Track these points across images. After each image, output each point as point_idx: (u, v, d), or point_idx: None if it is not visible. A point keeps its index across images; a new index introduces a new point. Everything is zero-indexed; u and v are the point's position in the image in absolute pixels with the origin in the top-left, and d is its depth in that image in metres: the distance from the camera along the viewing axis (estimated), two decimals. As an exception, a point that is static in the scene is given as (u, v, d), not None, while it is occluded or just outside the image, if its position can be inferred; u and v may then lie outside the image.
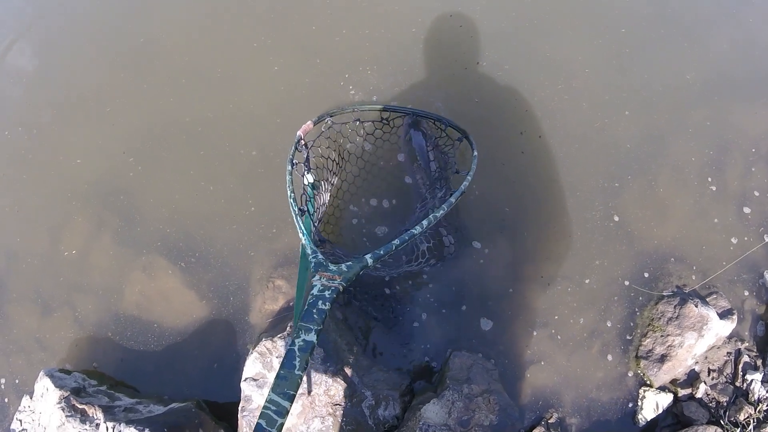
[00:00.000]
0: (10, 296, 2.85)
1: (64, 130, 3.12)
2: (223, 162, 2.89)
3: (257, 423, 1.35)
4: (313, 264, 1.75)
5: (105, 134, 3.05)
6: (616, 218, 2.69)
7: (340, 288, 1.66)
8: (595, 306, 2.57)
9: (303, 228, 1.90)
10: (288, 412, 1.39)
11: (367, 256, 1.77)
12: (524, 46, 3.00)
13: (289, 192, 2.05)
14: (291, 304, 2.58)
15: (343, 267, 1.72)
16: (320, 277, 1.68)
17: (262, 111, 2.97)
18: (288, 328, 2.31)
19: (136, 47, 3.23)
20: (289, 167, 2.14)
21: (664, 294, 2.57)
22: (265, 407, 1.38)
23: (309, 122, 2.36)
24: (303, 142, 2.29)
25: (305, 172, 2.27)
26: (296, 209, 1.98)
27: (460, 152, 2.56)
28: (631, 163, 2.79)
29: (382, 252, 1.80)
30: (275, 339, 2.26)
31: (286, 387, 1.41)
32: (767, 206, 2.75)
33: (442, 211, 1.96)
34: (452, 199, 2.02)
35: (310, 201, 2.17)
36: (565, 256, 2.64)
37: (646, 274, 2.63)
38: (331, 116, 2.46)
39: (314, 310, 1.58)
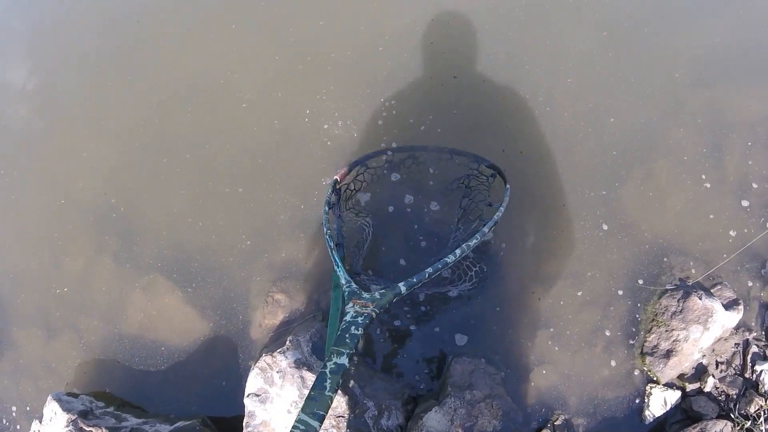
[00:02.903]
0: (16, 321, 2.91)
1: (61, 151, 3.17)
2: (220, 179, 2.91)
3: None
4: (347, 292, 1.84)
5: (102, 153, 3.08)
6: (614, 215, 2.65)
7: (373, 315, 1.74)
8: (597, 303, 2.53)
9: (338, 260, 2.00)
10: None
11: (401, 284, 1.85)
12: (503, 59, 2.96)
13: (325, 229, 2.18)
14: (290, 318, 2.60)
15: (376, 295, 1.80)
16: (354, 305, 1.77)
17: (257, 122, 2.98)
18: (288, 342, 2.32)
19: (134, 66, 3.27)
20: (326, 208, 2.29)
21: (667, 288, 2.54)
22: (294, 427, 1.41)
23: (345, 167, 2.53)
24: (339, 186, 2.45)
25: (340, 213, 2.41)
26: (332, 244, 2.12)
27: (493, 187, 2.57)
28: (624, 159, 2.75)
29: (415, 280, 1.88)
30: (275, 354, 2.27)
31: (316, 407, 1.45)
32: (765, 197, 2.69)
33: (475, 241, 2.04)
34: (485, 229, 2.09)
35: (345, 238, 2.30)
36: (564, 254, 2.62)
37: (648, 269, 2.59)
38: (364, 163, 2.63)
39: (347, 335, 1.65)
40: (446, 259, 1.95)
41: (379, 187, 2.77)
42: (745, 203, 2.67)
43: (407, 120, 2.88)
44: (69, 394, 2.55)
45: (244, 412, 2.27)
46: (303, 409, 1.46)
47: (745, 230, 2.65)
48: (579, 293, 2.55)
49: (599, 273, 2.55)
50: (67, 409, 2.41)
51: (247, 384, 2.29)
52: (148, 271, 2.80)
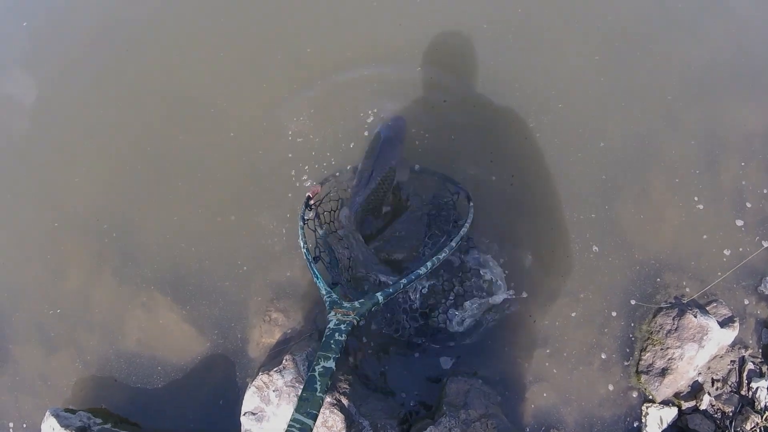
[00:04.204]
0: (14, 336, 2.92)
1: (61, 167, 3.20)
2: (213, 206, 2.94)
3: None
4: (328, 302, 1.98)
5: (98, 178, 3.12)
6: (605, 237, 2.67)
7: (354, 322, 1.89)
8: (593, 322, 2.55)
9: (317, 272, 2.11)
10: (312, 430, 1.55)
11: (379, 294, 1.98)
12: (494, 84, 3.00)
13: (302, 244, 2.29)
14: (288, 336, 2.61)
15: (356, 304, 1.95)
16: (335, 313, 1.90)
17: (245, 151, 3.02)
18: (284, 361, 2.33)
19: (128, 95, 3.32)
20: (301, 223, 2.40)
21: (662, 306, 2.55)
22: (289, 426, 1.54)
23: (317, 184, 2.60)
24: (312, 202, 2.52)
25: (317, 227, 2.49)
26: (310, 257, 2.23)
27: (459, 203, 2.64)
28: (614, 182, 2.78)
29: (391, 290, 2.02)
30: (272, 373, 2.28)
31: (309, 407, 1.60)
32: (760, 216, 2.71)
33: (444, 254, 2.18)
34: (453, 244, 2.24)
35: (324, 251, 2.38)
36: (560, 273, 2.63)
37: (642, 288, 2.61)
38: (335, 176, 2.70)
39: (332, 341, 1.80)
40: (419, 270, 2.08)
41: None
42: (739, 222, 2.69)
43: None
44: (67, 410, 2.55)
45: (240, 430, 2.28)
46: (297, 410, 1.57)
47: (740, 249, 2.66)
48: (573, 314, 2.57)
49: (593, 294, 2.57)
50: (64, 425, 2.42)
51: (243, 402, 2.29)
52: (146, 290, 2.83)
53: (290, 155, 2.94)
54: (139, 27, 3.54)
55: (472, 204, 2.50)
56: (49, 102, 3.44)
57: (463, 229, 2.34)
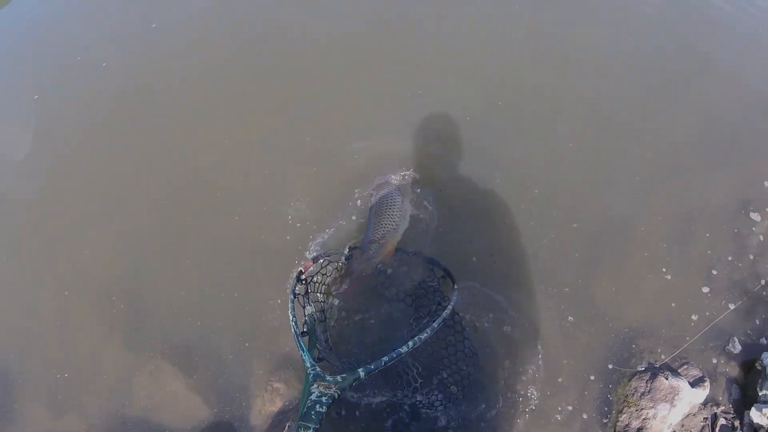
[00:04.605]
0: (23, 398, 3.09)
1: (72, 240, 3.49)
2: (217, 283, 3.18)
3: None
4: (312, 375, 2.13)
5: (112, 243, 3.42)
6: (580, 308, 2.97)
7: (335, 395, 2.05)
8: (572, 387, 2.82)
9: (303, 346, 2.27)
10: None
11: (360, 370, 2.15)
12: (474, 173, 3.33)
13: (291, 317, 2.42)
14: (289, 406, 2.82)
15: (338, 378, 2.11)
16: (318, 386, 2.07)
17: (247, 231, 3.31)
18: (286, 428, 2.58)
19: (135, 172, 3.67)
20: (291, 296, 2.52)
21: (637, 370, 2.85)
22: None
23: (309, 260, 2.76)
24: (303, 277, 2.67)
25: (306, 304, 2.62)
26: (298, 332, 2.35)
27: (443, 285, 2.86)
28: (587, 259, 3.08)
29: (372, 367, 2.17)
30: (275, 441, 2.55)
31: None
32: (725, 281, 3.02)
33: (426, 334, 2.35)
34: (435, 325, 2.42)
35: (310, 326, 2.53)
36: (538, 340, 2.90)
37: (618, 354, 2.88)
38: (328, 256, 2.86)
39: (313, 412, 1.95)
40: (400, 349, 2.24)
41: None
42: (705, 289, 3.00)
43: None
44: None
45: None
46: None
47: (707, 313, 2.96)
48: (559, 379, 2.83)
49: (572, 360, 2.85)
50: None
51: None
52: (153, 359, 3.04)
53: (288, 237, 3.24)
54: (152, 110, 3.96)
55: (456, 287, 2.74)
56: (61, 178, 3.78)
57: (445, 311, 2.52)
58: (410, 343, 2.28)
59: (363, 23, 4.15)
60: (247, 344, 3.01)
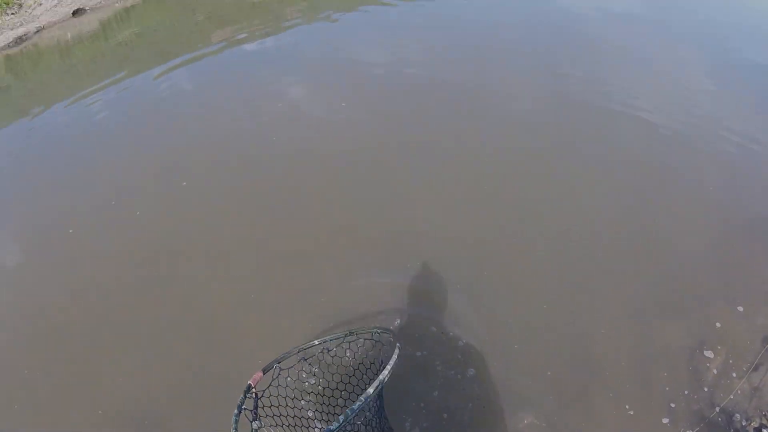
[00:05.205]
0: None
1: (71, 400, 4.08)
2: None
3: None
4: None
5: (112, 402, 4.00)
6: None
7: None
8: None
9: None
10: None
11: None
12: (455, 311, 4.32)
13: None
14: None
15: None
16: None
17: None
18: None
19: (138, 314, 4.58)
20: (237, 411, 2.45)
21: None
22: None
23: (259, 372, 2.69)
24: (253, 390, 2.58)
25: (253, 419, 2.48)
26: None
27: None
28: (559, 400, 3.92)
29: None
30: None
31: None
32: (684, 411, 3.76)
33: (359, 403, 2.30)
34: (370, 390, 2.34)
35: None
36: None
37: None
38: (278, 362, 2.77)
39: None
40: (330, 427, 2.19)
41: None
42: (665, 420, 3.89)
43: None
44: None
45: None
46: None
47: (670, 447, 3.81)
48: None
49: None
50: None
51: None
52: None
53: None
54: (169, 254, 5.10)
55: (399, 344, 2.75)
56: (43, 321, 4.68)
57: (381, 374, 2.43)
58: (341, 418, 2.24)
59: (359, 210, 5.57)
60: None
